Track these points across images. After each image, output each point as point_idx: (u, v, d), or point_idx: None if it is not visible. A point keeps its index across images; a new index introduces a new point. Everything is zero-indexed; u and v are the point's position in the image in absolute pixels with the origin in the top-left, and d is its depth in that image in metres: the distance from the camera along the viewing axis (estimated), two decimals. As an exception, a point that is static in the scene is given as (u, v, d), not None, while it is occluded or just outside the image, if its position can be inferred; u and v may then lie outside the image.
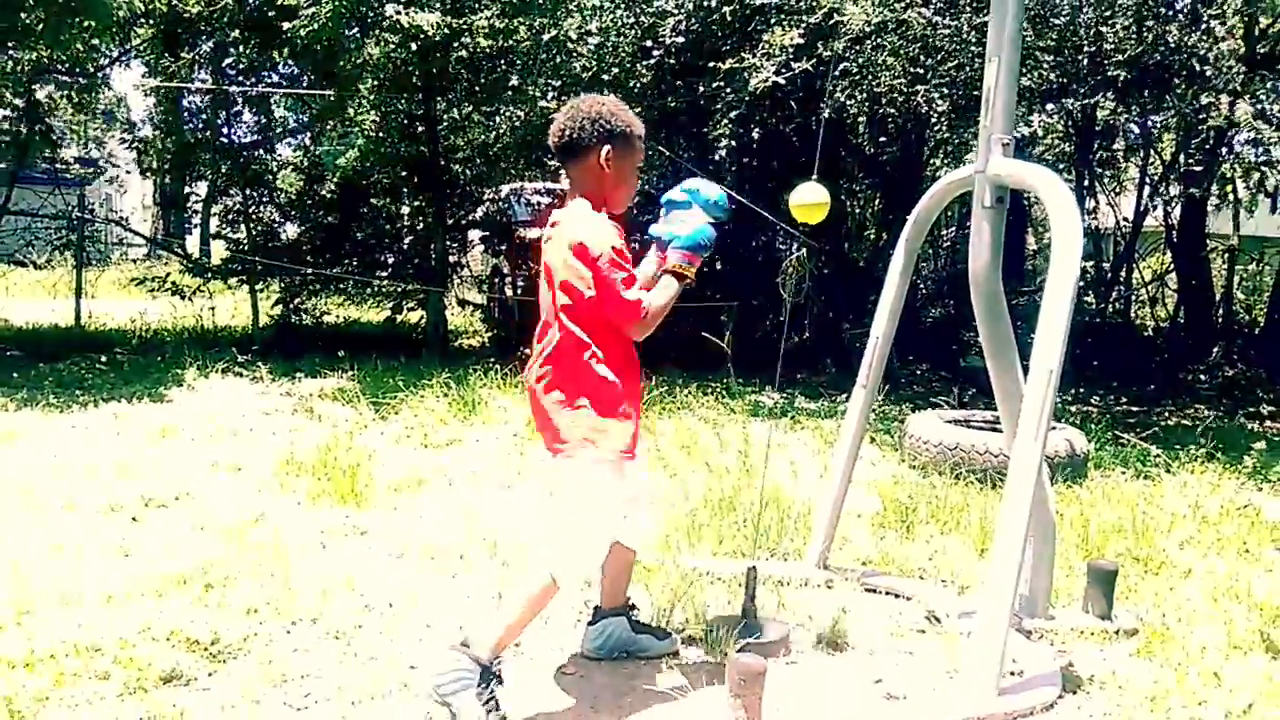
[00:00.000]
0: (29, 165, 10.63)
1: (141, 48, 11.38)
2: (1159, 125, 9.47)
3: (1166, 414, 7.63)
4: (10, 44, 9.53)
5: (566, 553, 2.52)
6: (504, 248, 11.45)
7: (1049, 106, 6.99)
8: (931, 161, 10.93)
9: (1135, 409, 6.69)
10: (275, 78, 11.30)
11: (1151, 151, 10.90)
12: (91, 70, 10.77)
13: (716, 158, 9.50)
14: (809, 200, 3.15)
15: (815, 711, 2.60)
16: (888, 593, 3.50)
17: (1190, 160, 9.39)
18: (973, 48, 6.81)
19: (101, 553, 3.63)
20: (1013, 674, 2.76)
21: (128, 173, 19.99)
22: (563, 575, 2.49)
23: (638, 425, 2.60)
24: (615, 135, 2.57)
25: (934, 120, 8.00)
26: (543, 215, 10.87)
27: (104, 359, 8.62)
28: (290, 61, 10.61)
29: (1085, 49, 7.20)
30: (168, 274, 11.06)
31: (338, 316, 11.12)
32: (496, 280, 12.06)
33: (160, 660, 2.69)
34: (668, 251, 2.62)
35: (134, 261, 19.43)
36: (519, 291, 11.10)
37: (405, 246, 11.22)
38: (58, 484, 4.54)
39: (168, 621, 2.96)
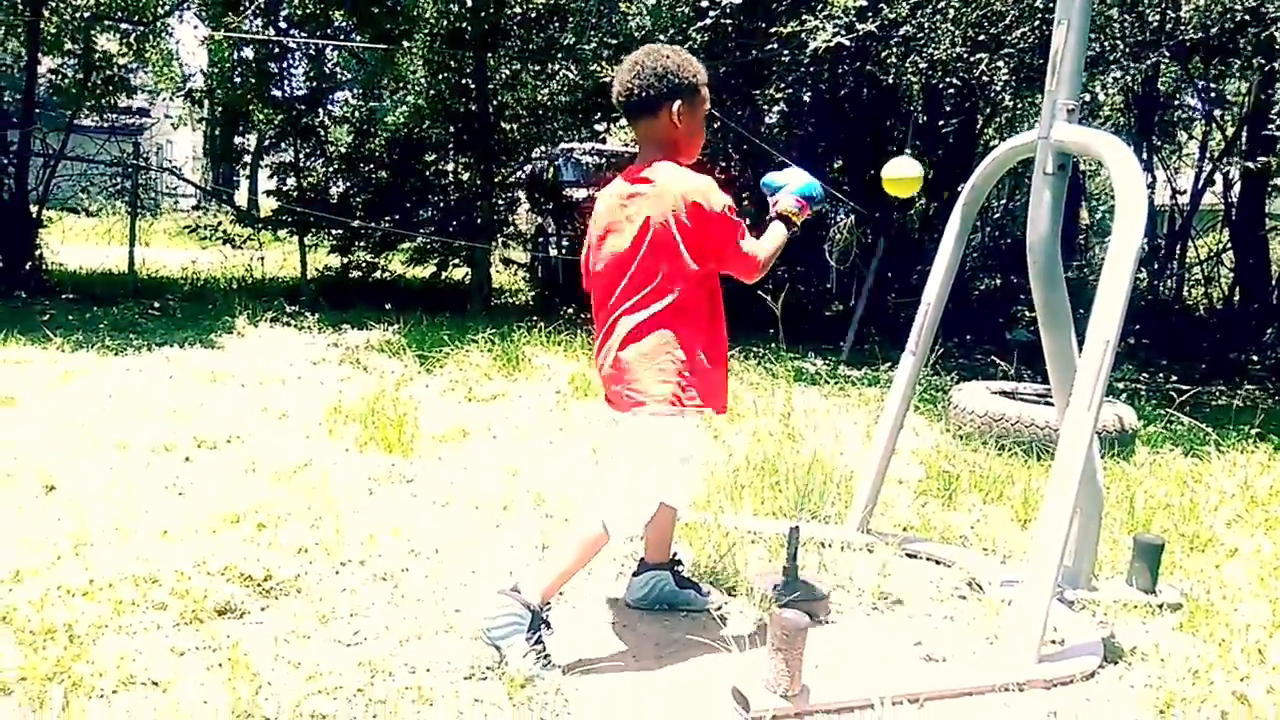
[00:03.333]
0: (98, 110, 10.73)
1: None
2: (1224, 96, 9.23)
3: (1217, 393, 7.51)
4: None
5: (620, 504, 2.54)
6: (550, 207, 11.47)
7: (1114, 73, 6.83)
8: (986, 131, 10.75)
9: (1185, 387, 6.58)
10: (330, 32, 11.32)
11: (1213, 125, 10.64)
12: (150, 19, 10.85)
13: (768, 120, 9.41)
14: (903, 174, 3.15)
15: (854, 670, 2.62)
16: (929, 558, 3.50)
17: (1258, 132, 9.14)
18: (1040, 14, 6.66)
19: (155, 490, 3.72)
20: (1053, 643, 2.76)
21: (183, 122, 20.18)
22: (614, 525, 2.51)
23: (719, 383, 2.60)
24: (684, 89, 2.54)
25: (995, 89, 7.85)
26: (595, 177, 10.88)
27: (156, 305, 8.78)
28: (345, 16, 10.62)
29: (1152, 14, 7.02)
30: (219, 223, 11.21)
31: (384, 271, 11.21)
32: (541, 240, 12.09)
33: (215, 593, 2.77)
34: (779, 195, 2.72)
35: (184, 212, 19.69)
36: (563, 252, 11.12)
37: (452, 203, 11.26)
38: (112, 423, 4.66)
39: (222, 557, 3.04)
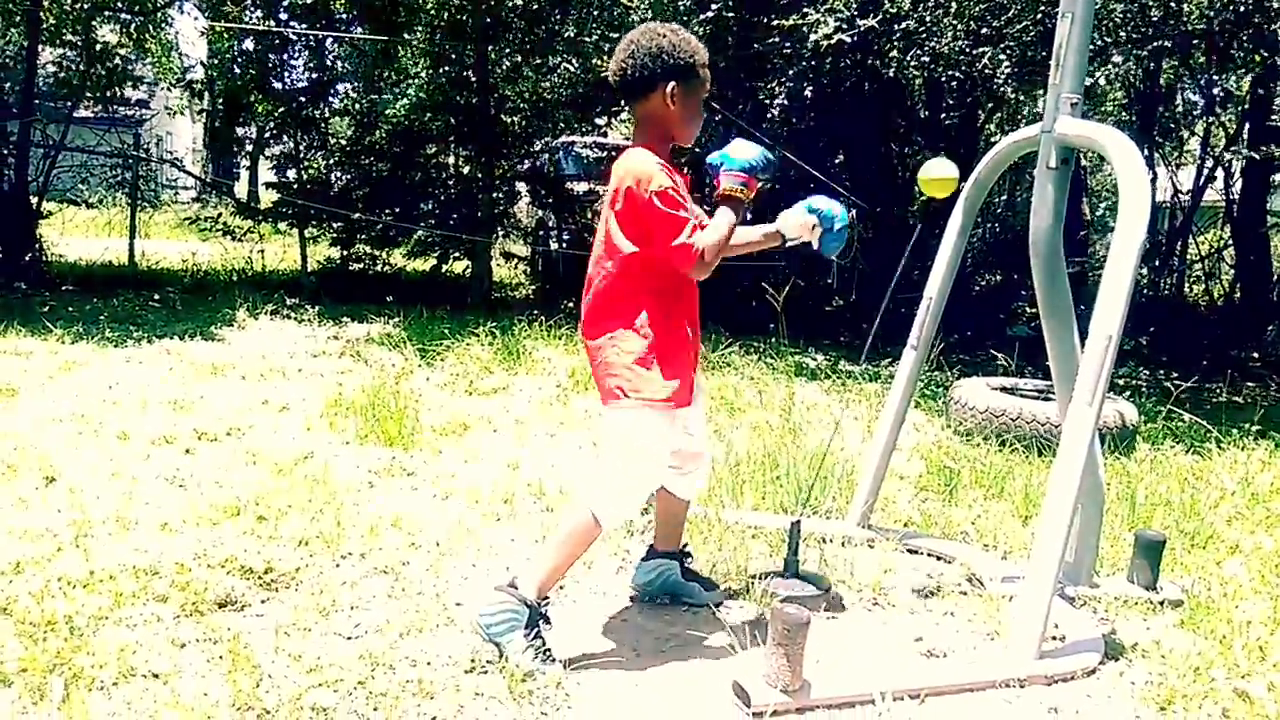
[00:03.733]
0: (99, 101, 10.70)
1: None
2: (1225, 91, 9.22)
3: (1218, 390, 7.51)
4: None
5: (607, 494, 2.52)
6: (550, 200, 11.45)
7: (1116, 59, 6.80)
8: (988, 126, 10.74)
9: (1186, 384, 6.57)
10: (331, 24, 11.30)
11: (1215, 120, 10.63)
12: (150, 9, 10.83)
13: (769, 115, 9.39)
14: (938, 175, 3.14)
15: (855, 665, 2.62)
16: (929, 554, 3.49)
17: (1260, 126, 9.13)
18: (1042, 6, 6.64)
19: (156, 482, 3.72)
20: (1054, 639, 2.76)
21: (182, 112, 20.14)
22: (603, 515, 2.49)
23: (690, 376, 2.58)
24: (679, 70, 2.47)
25: (997, 83, 7.83)
26: (596, 170, 10.87)
27: (157, 297, 8.77)
28: (346, 7, 10.60)
29: (1154, 7, 7.00)
30: (219, 215, 11.18)
31: (384, 264, 11.20)
32: (542, 233, 12.07)
33: (215, 586, 2.77)
34: (719, 175, 2.52)
35: (184, 204, 19.66)
36: (564, 245, 11.11)
37: (453, 196, 11.24)
38: (113, 415, 4.65)
39: (222, 549, 3.03)
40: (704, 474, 2.85)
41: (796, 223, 2.77)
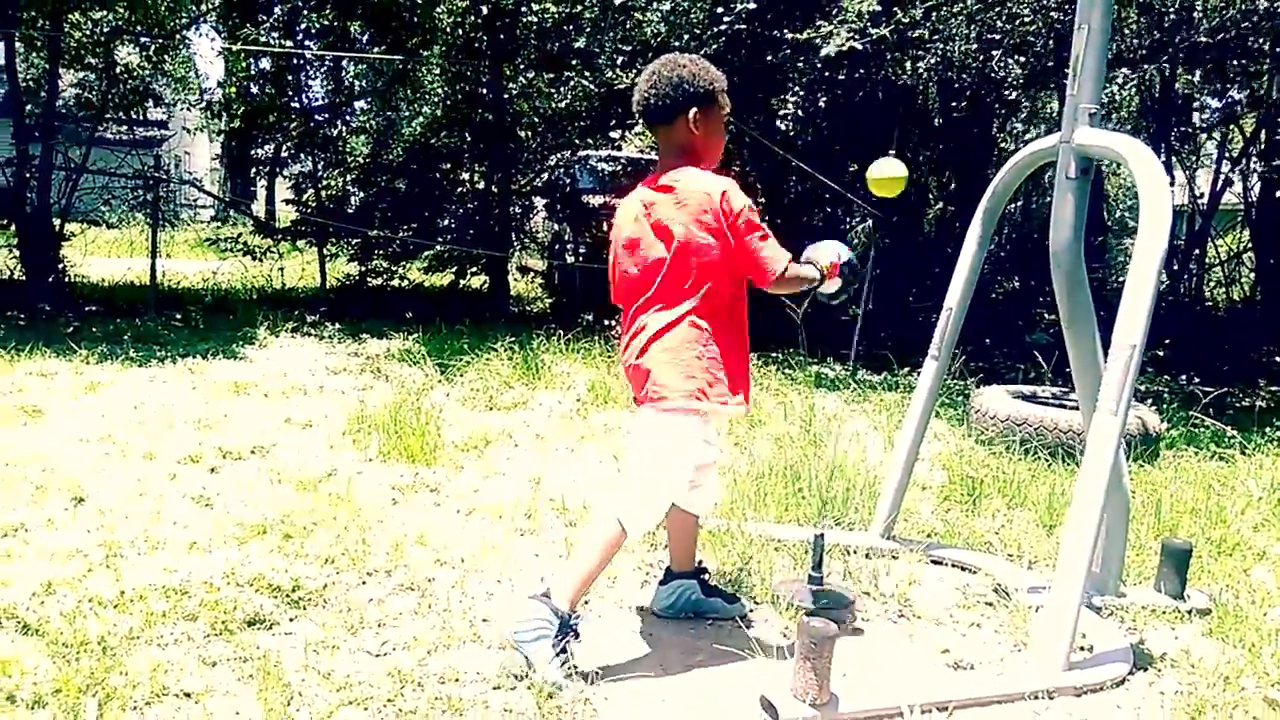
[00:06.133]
0: (118, 122, 10.83)
1: (216, 10, 11.55)
2: (1242, 100, 9.18)
3: (1241, 395, 7.45)
4: (90, 5, 9.75)
5: (634, 501, 2.56)
6: (566, 214, 11.50)
7: (1123, 71, 6.79)
8: (1001, 134, 10.72)
9: (1208, 389, 6.53)
10: (347, 45, 11.40)
11: (1232, 127, 10.57)
12: (169, 30, 10.95)
13: (783, 128, 9.41)
14: (886, 174, 3.18)
15: (882, 678, 2.62)
16: (954, 564, 3.49)
17: (1275, 132, 9.09)
18: (1052, 13, 6.65)
19: (183, 501, 3.75)
20: (1082, 649, 2.75)
21: (201, 130, 20.33)
22: (630, 522, 2.53)
23: (739, 385, 2.61)
24: (700, 96, 2.59)
25: (1007, 89, 7.83)
26: (612, 184, 10.90)
27: (179, 316, 8.84)
28: (362, 28, 10.69)
29: (1169, 17, 6.99)
30: (239, 234, 11.28)
31: (403, 280, 11.27)
32: (558, 247, 12.12)
33: (244, 604, 2.79)
34: (814, 249, 2.75)
35: (204, 223, 19.83)
36: (581, 259, 11.14)
37: (470, 211, 11.30)
38: (138, 435, 4.70)
39: (250, 568, 3.06)
40: (715, 488, 2.86)
41: (822, 259, 2.80)
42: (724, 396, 2.55)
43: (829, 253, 2.72)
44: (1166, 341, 9.05)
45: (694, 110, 2.58)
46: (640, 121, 2.76)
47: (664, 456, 2.56)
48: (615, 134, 11.41)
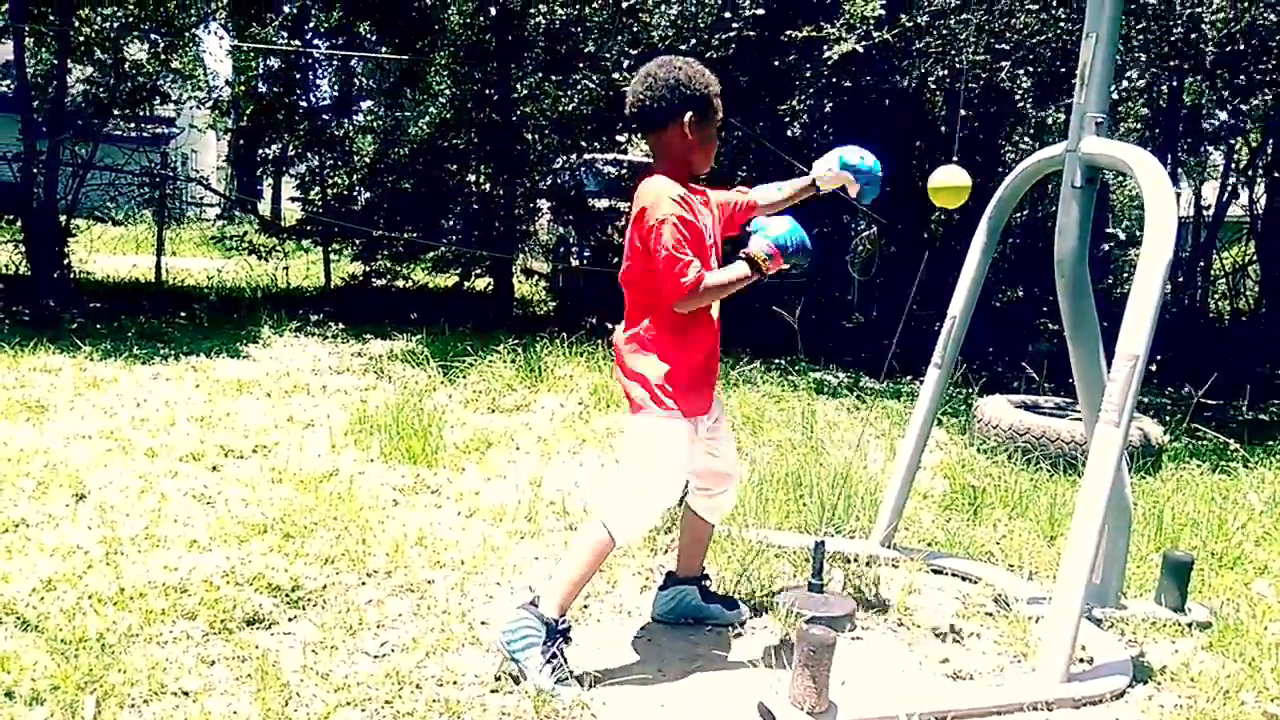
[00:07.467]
0: (128, 118, 10.86)
1: (225, 8, 11.58)
2: (1248, 112, 9.18)
3: (1244, 408, 7.44)
4: (100, 0, 9.78)
5: (618, 507, 2.55)
6: (571, 217, 11.50)
7: (1130, 75, 6.79)
8: (1009, 140, 10.72)
9: (1211, 402, 6.52)
10: (355, 44, 11.42)
11: (1239, 138, 10.56)
12: (179, 28, 10.97)
13: (789, 134, 9.41)
14: (948, 183, 3.12)
15: (881, 686, 2.61)
16: (954, 574, 3.48)
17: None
18: (1061, 23, 6.65)
19: (184, 499, 3.75)
20: (1082, 661, 2.74)
21: (209, 127, 20.37)
22: (616, 529, 2.51)
23: (704, 394, 2.60)
24: (695, 100, 2.53)
25: (1016, 97, 7.83)
26: (617, 187, 10.90)
27: (183, 314, 8.85)
28: (370, 28, 10.72)
29: (1176, 29, 6.99)
30: (244, 232, 11.29)
31: (407, 281, 11.27)
32: (563, 250, 12.11)
33: (244, 603, 2.79)
34: (751, 238, 2.59)
35: (210, 221, 19.85)
36: (585, 262, 11.14)
37: (475, 213, 11.31)
38: (141, 432, 4.70)
39: (250, 567, 3.06)
40: (731, 496, 2.86)
41: (831, 175, 2.83)
42: (673, 405, 2.49)
43: (778, 229, 2.58)
44: (1171, 353, 9.04)
45: (689, 114, 2.52)
46: (633, 124, 2.69)
47: (646, 458, 2.54)
48: (621, 137, 11.42)
